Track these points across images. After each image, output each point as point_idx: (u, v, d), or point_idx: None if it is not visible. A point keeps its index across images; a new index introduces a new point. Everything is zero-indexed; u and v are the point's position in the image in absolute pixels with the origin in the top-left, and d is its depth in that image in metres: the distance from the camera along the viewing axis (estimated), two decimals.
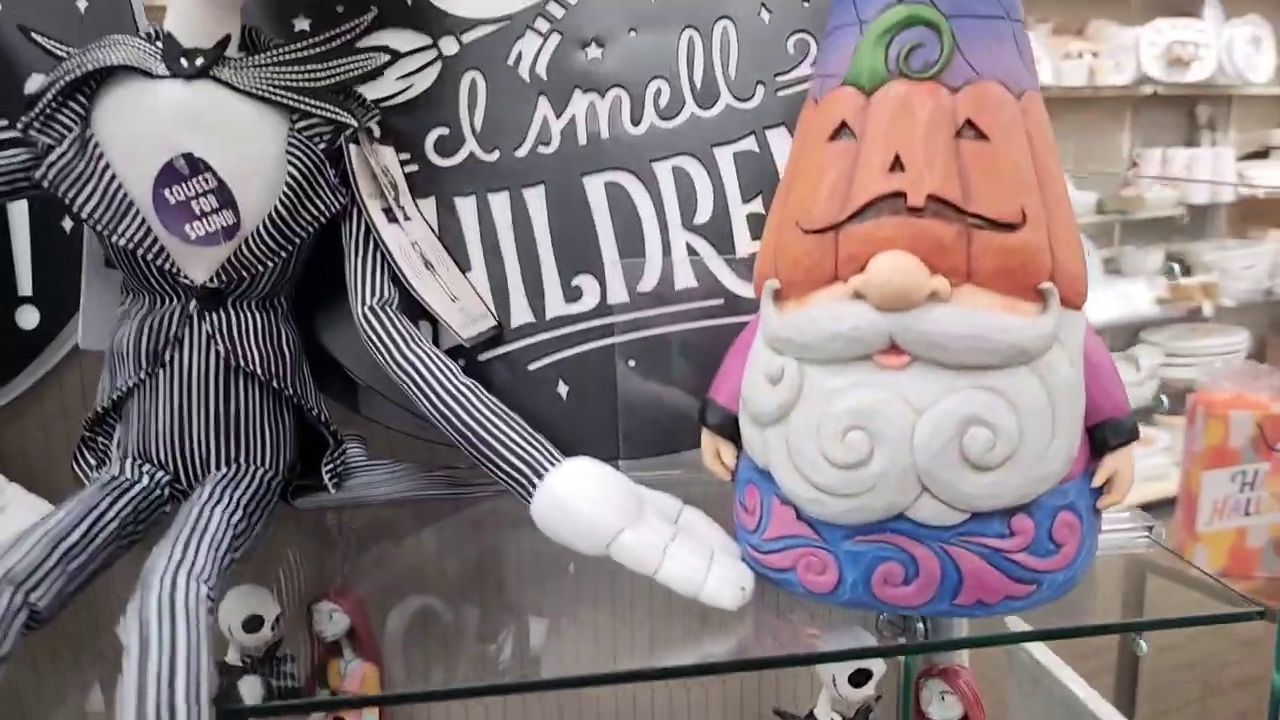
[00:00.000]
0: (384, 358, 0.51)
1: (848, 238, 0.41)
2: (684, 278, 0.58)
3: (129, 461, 0.52)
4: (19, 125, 0.49)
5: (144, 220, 0.49)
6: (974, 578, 0.41)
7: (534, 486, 0.47)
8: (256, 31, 0.52)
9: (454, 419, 0.49)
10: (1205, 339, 2.13)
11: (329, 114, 0.51)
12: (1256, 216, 2.44)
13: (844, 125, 0.42)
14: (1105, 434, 0.43)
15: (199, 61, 0.49)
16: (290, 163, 0.50)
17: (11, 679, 0.40)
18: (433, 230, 0.57)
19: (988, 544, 0.41)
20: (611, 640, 0.54)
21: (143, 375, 0.51)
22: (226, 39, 0.50)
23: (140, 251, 0.49)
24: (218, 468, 0.52)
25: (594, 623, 0.55)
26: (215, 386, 0.52)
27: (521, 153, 0.57)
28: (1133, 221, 2.34)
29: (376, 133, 0.55)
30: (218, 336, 0.51)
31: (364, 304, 0.53)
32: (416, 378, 0.50)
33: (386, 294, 0.53)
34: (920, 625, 0.49)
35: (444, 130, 0.57)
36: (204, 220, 0.49)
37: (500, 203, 0.57)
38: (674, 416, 0.58)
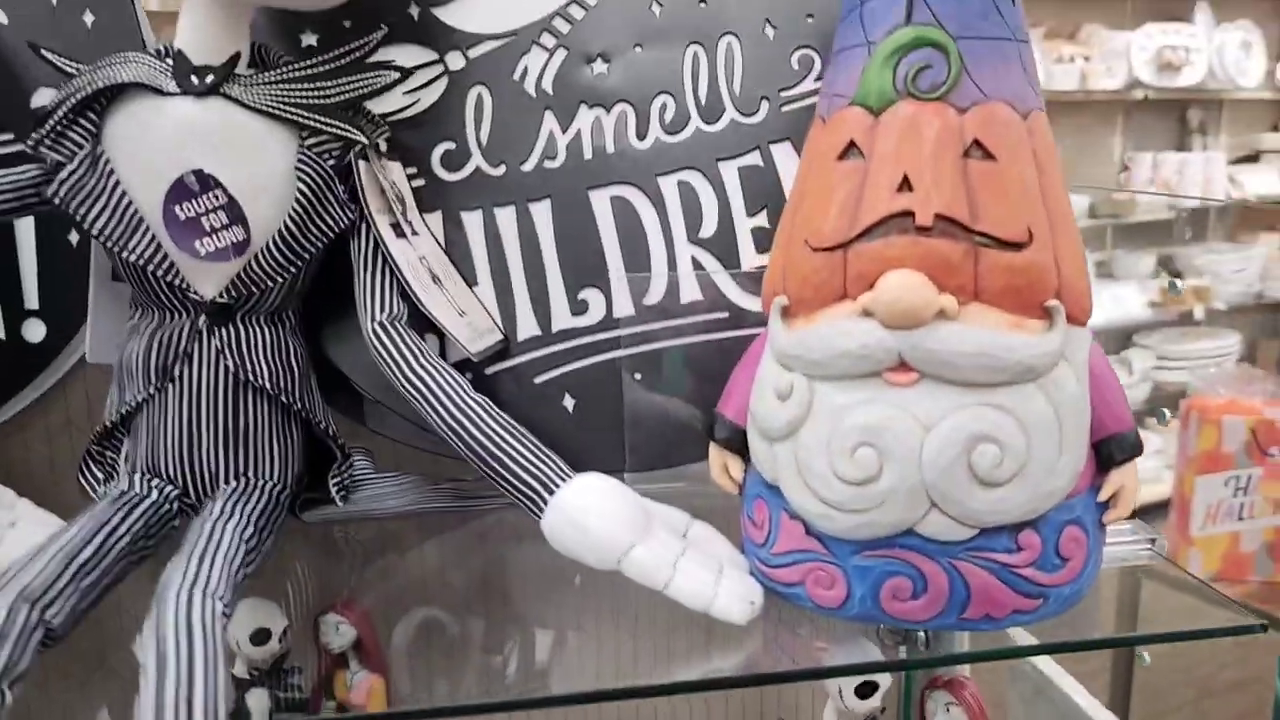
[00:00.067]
0: (393, 373, 0.52)
1: (856, 256, 0.41)
2: (689, 291, 0.58)
3: (138, 476, 0.52)
4: (29, 142, 0.49)
5: (154, 236, 0.49)
6: (982, 592, 0.42)
7: (545, 502, 0.48)
8: (266, 48, 0.53)
9: (464, 434, 0.50)
10: (1197, 342, 2.14)
11: (340, 131, 0.51)
12: (1248, 221, 2.45)
13: (852, 145, 0.42)
14: (1111, 449, 0.44)
15: (209, 79, 0.49)
16: (300, 179, 0.50)
17: (22, 696, 0.40)
18: (440, 245, 0.57)
19: (995, 559, 0.42)
20: (616, 653, 0.55)
21: (152, 390, 0.52)
22: (236, 56, 0.50)
23: (150, 267, 0.49)
24: (226, 482, 0.52)
25: (599, 635, 0.56)
26: (224, 401, 0.52)
27: (527, 167, 0.58)
28: (1124, 225, 2.35)
29: (384, 148, 0.55)
30: (227, 351, 0.51)
31: (373, 319, 0.53)
32: (426, 393, 0.51)
33: (395, 309, 0.53)
34: (920, 634, 0.49)
35: (450, 145, 0.57)
36: (214, 236, 0.49)
37: (506, 217, 0.58)
38: (680, 429, 0.58)
